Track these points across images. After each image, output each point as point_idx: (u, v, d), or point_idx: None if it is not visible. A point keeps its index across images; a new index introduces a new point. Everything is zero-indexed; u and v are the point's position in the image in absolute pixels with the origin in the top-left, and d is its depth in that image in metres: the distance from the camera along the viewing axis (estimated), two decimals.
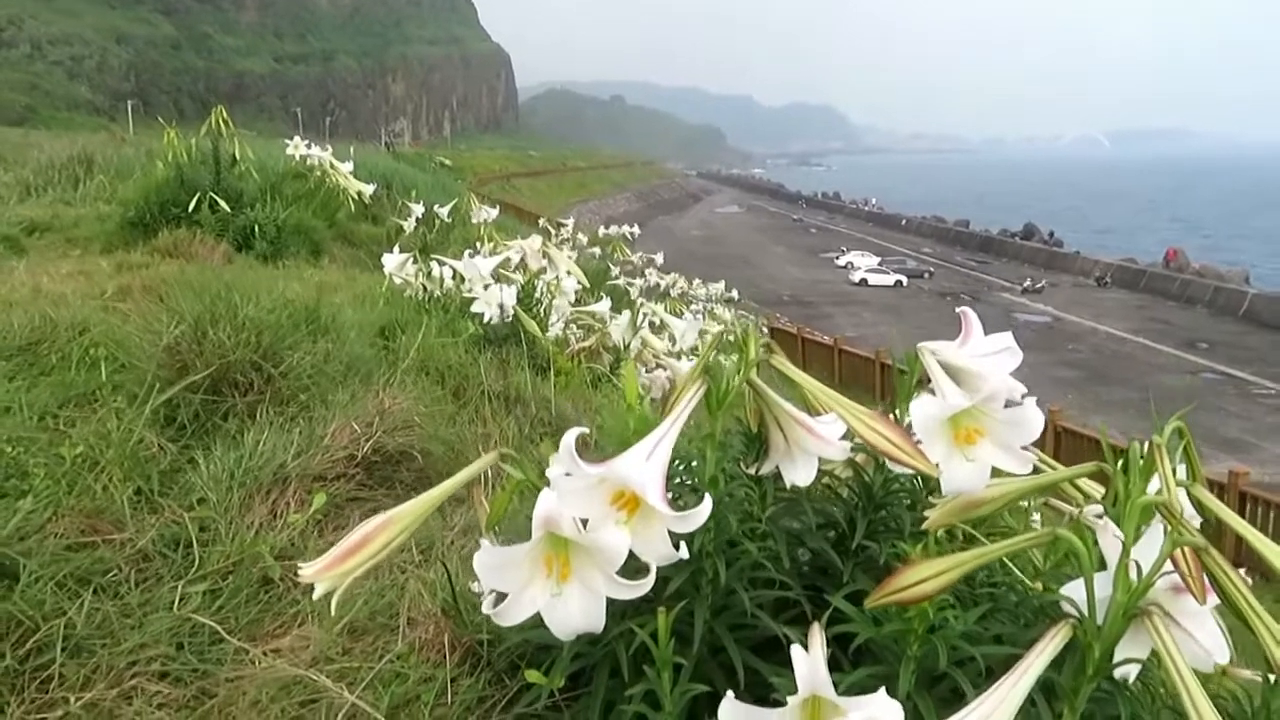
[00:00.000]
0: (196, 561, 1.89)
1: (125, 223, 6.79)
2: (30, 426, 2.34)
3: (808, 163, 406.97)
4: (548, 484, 1.38)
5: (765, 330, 31.83)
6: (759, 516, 1.36)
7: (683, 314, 11.92)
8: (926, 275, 58.95)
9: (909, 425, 1.51)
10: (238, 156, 7.49)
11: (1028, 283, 53.08)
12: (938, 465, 1.24)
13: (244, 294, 2.79)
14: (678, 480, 1.40)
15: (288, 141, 8.25)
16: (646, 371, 4.65)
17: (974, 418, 1.26)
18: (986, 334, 1.56)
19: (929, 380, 1.48)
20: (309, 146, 8.10)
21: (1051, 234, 73.69)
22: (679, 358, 4.53)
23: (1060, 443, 15.10)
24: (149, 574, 1.84)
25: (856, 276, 56.80)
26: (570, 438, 1.09)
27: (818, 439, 1.34)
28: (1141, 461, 1.13)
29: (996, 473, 1.28)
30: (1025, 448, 1.27)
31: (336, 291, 5.57)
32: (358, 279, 6.42)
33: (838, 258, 65.72)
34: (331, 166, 7.97)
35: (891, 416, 1.56)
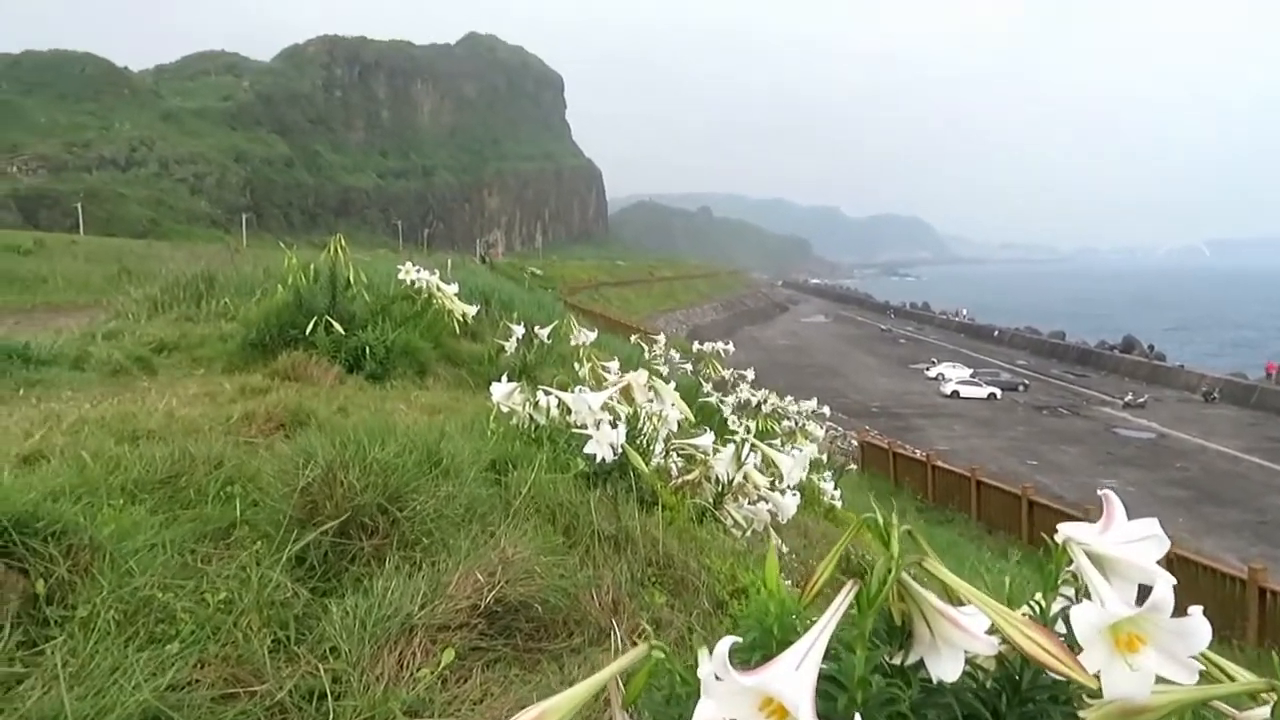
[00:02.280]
0: (330, 715, 1.93)
1: (246, 343, 7.15)
2: (173, 565, 2.46)
3: (895, 273, 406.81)
4: (691, 671, 1.39)
5: (855, 443, 31.32)
6: (905, 712, 1.34)
7: (775, 430, 11.86)
8: (1022, 388, 57.63)
9: (1058, 613, 1.49)
10: (351, 280, 7.86)
11: (1129, 397, 51.41)
12: (1097, 674, 1.21)
13: (372, 436, 2.91)
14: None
15: (400, 267, 8.62)
16: (749, 504, 4.64)
17: (1135, 624, 1.24)
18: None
19: (1070, 561, 1.46)
20: (418, 270, 8.45)
21: (1152, 347, 71.56)
22: (783, 492, 4.51)
23: (1173, 571, 14.32)
24: None
25: (948, 388, 55.85)
26: (725, 646, 1.11)
27: (965, 634, 1.32)
28: None
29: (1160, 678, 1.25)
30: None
31: (442, 414, 5.75)
32: (462, 400, 6.61)
33: (928, 369, 64.86)
34: (439, 289, 8.28)
35: (1037, 603, 1.54)
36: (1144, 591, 1.42)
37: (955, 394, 54.72)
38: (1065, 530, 1.50)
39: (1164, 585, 1.25)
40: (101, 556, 2.24)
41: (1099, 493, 1.62)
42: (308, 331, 6.96)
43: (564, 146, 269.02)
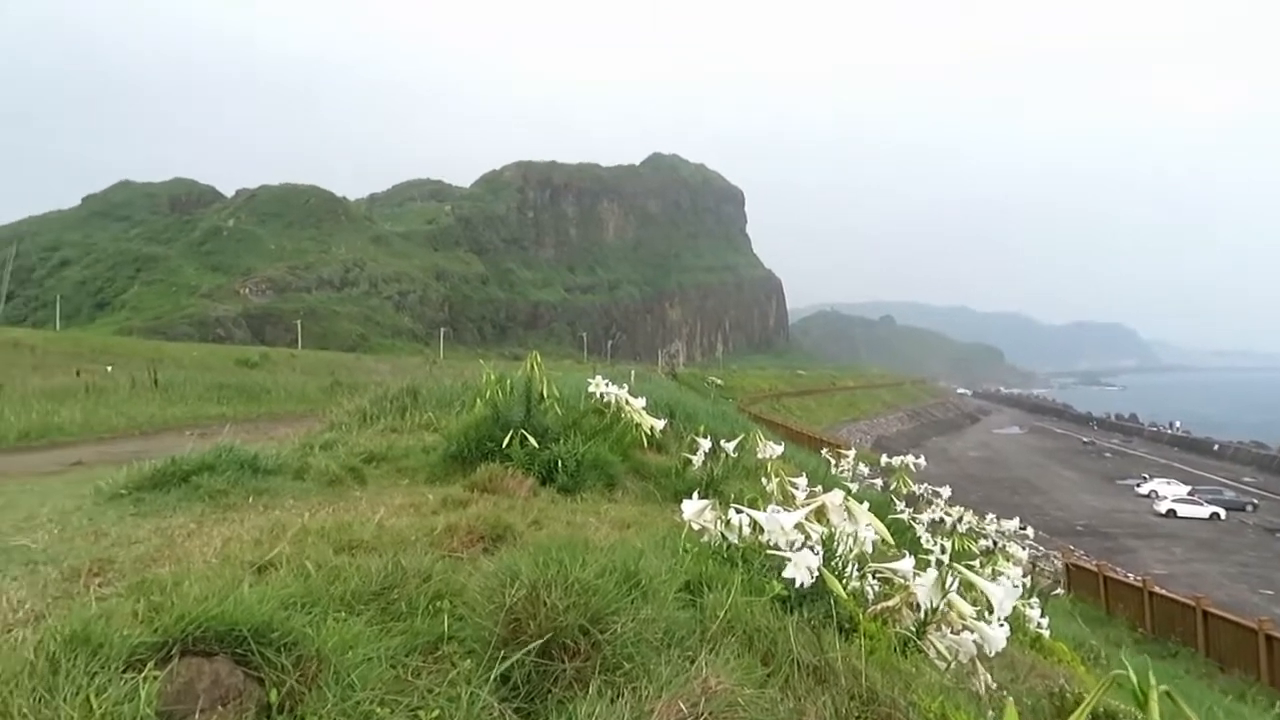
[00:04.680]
0: None
1: (447, 455, 7.49)
2: (387, 679, 2.55)
3: (1097, 382, 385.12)
4: None
5: (1058, 563, 29.17)
6: None
7: (972, 550, 11.24)
8: (1250, 507, 52.52)
9: None
10: (544, 394, 8.15)
11: None
12: None
13: (572, 555, 2.95)
14: None
15: (590, 380, 8.88)
16: (952, 633, 4.37)
17: None
18: None
19: None
20: (607, 384, 8.67)
21: None
22: (990, 622, 4.23)
23: None
24: None
25: (1163, 506, 51.64)
26: None
27: None
28: None
29: None
30: None
31: (632, 528, 5.78)
32: (651, 514, 6.63)
33: (1139, 485, 60.38)
34: (627, 403, 8.45)
35: None
36: None
37: (1171, 513, 50.52)
38: None
39: None
40: (326, 668, 2.35)
41: None
42: (504, 445, 7.23)
43: (744, 258, 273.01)
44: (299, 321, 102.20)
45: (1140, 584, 23.51)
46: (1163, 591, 22.71)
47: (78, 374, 27.96)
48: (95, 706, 1.97)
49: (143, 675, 2.08)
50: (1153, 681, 1.26)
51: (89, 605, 2.77)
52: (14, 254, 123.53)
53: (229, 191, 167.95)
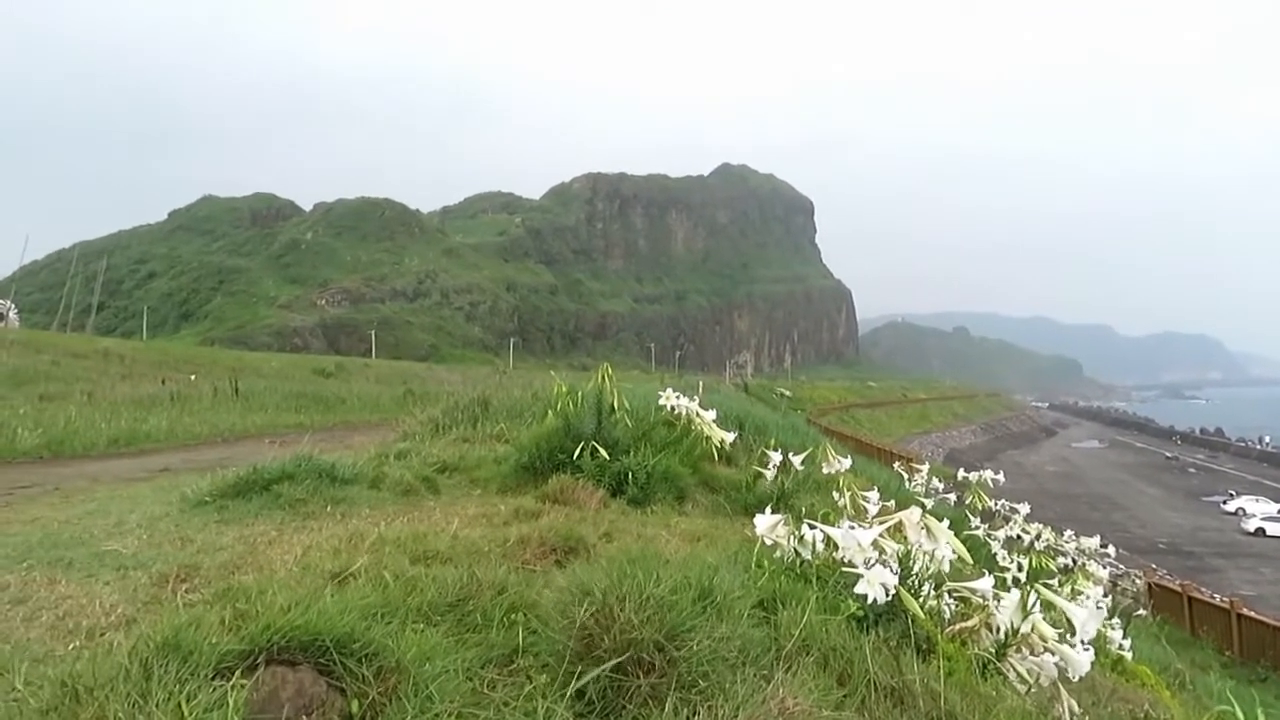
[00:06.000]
0: None
1: (519, 466, 7.56)
2: (464, 691, 2.57)
3: (1180, 395, 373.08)
4: None
5: (1140, 583, 28.24)
6: None
7: (1050, 568, 10.95)
8: None
9: None
10: (615, 406, 8.17)
11: None
12: None
13: (646, 570, 2.94)
14: None
15: (660, 393, 8.88)
16: (1032, 655, 4.26)
17: None
18: None
19: None
20: (677, 397, 8.66)
21: None
22: (1074, 645, 4.11)
23: None
24: None
25: (1251, 525, 49.72)
26: None
27: None
28: None
29: None
30: None
31: (703, 542, 5.75)
32: (721, 528, 6.59)
33: (1225, 502, 58.28)
34: (697, 415, 8.43)
35: None
36: None
37: (1260, 531, 48.61)
38: None
39: None
40: (406, 680, 2.39)
41: None
42: (575, 456, 7.27)
43: (814, 268, 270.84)
44: (373, 331, 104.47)
45: (1227, 605, 22.60)
46: (1252, 614, 21.81)
47: (163, 383, 28.87)
48: (186, 713, 2.02)
49: (230, 683, 2.13)
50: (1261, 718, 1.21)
51: (178, 612, 2.86)
52: (105, 267, 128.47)
53: (307, 205, 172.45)
